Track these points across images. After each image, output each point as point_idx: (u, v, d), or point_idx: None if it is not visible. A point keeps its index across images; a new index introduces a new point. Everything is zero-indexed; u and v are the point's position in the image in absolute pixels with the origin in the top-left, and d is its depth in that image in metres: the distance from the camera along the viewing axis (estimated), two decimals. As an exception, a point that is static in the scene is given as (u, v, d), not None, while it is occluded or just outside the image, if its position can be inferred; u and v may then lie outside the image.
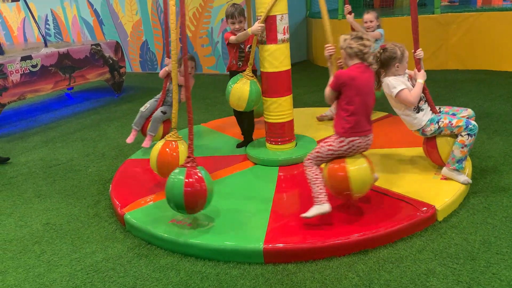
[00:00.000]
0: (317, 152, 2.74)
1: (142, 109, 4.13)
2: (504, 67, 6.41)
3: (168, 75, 3.98)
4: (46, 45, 6.59)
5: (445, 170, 3.05)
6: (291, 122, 3.73)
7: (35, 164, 4.56)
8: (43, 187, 3.96)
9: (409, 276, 2.31)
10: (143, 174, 3.73)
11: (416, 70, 3.16)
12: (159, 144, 3.21)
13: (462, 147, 2.95)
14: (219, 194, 3.26)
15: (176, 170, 2.76)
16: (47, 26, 10.92)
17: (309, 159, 2.77)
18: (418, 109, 3.11)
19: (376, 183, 3.09)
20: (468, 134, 2.95)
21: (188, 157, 2.81)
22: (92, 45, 6.97)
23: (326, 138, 2.83)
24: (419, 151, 3.62)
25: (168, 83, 4.03)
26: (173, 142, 3.18)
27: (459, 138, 2.97)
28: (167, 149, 3.16)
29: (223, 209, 3.03)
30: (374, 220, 2.70)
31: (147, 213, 3.08)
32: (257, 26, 3.44)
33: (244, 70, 3.70)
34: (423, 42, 7.17)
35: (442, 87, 5.89)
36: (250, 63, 3.69)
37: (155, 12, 8.84)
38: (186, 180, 2.66)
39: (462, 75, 6.45)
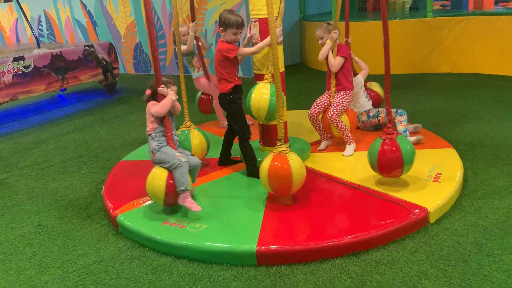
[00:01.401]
0: (338, 108, 3.76)
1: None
2: (494, 70, 6.48)
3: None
4: (39, 46, 6.55)
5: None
6: (285, 124, 3.73)
7: (27, 165, 4.53)
8: (35, 188, 3.93)
9: (401, 278, 2.32)
10: (136, 176, 3.72)
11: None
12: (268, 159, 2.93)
13: (401, 123, 3.89)
14: (212, 196, 3.27)
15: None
16: (40, 27, 10.86)
17: (333, 115, 3.74)
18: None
19: (369, 185, 3.11)
20: (400, 115, 3.94)
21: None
22: (85, 46, 6.94)
23: (335, 100, 3.79)
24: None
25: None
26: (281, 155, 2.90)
27: (397, 118, 3.92)
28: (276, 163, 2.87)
29: (216, 211, 3.03)
30: (367, 222, 2.72)
31: (139, 215, 3.07)
32: (279, 31, 3.27)
33: (240, 84, 3.51)
34: (416, 46, 7.30)
35: (435, 91, 5.93)
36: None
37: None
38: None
39: (454, 78, 6.50)
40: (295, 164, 2.85)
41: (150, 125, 3.02)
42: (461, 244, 2.55)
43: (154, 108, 2.98)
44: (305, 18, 8.62)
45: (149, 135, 3.03)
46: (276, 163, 2.84)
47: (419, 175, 3.21)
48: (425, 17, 6.82)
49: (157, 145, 2.98)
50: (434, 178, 3.15)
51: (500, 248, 2.49)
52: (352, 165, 3.65)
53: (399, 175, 3.05)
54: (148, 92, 3.08)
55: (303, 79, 7.47)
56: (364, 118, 4.24)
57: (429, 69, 7.00)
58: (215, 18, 7.92)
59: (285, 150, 2.89)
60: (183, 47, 4.30)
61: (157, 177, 2.93)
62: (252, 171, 3.45)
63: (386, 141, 2.99)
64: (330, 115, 3.74)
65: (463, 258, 2.43)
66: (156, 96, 3.02)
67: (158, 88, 2.97)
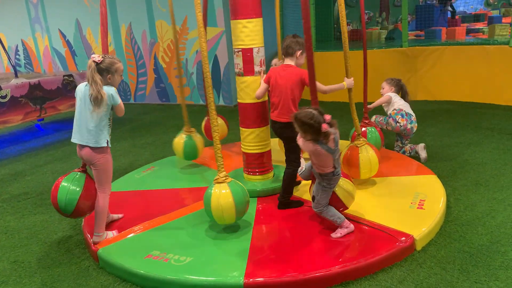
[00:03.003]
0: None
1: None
2: (468, 98, 6.68)
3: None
4: (16, 76, 6.46)
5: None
6: (269, 153, 3.73)
7: (2, 198, 4.38)
8: (11, 222, 3.79)
9: (391, 308, 2.30)
10: (118, 208, 3.62)
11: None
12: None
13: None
14: (196, 226, 3.20)
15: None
16: (17, 56, 10.74)
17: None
18: None
19: (354, 213, 3.11)
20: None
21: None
22: (64, 75, 6.87)
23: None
24: (394, 180, 3.68)
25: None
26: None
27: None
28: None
29: (201, 243, 2.96)
30: (354, 251, 2.70)
31: (121, 248, 2.98)
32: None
33: None
34: (393, 74, 7.44)
35: (412, 118, 6.05)
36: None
37: (129, 44, 8.85)
38: None
39: (431, 106, 6.67)
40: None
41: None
42: (449, 272, 2.55)
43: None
44: (284, 48, 8.76)
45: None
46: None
47: (403, 202, 3.23)
48: (401, 46, 7.04)
49: None
50: (418, 205, 3.17)
51: (487, 275, 2.50)
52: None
53: None
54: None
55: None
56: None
57: (406, 96, 7.16)
58: (196, 47, 7.99)
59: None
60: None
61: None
62: (285, 202, 3.37)
63: None
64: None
65: (451, 286, 2.42)
66: None
67: None
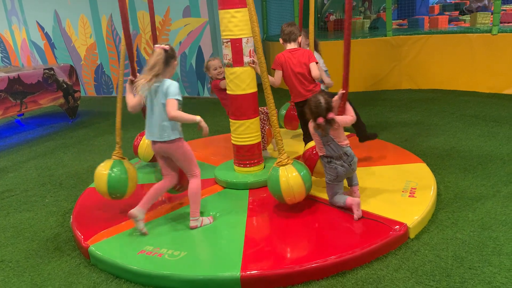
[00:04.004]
0: None
1: None
2: (452, 86, 6.76)
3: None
4: (-6, 70, 6.27)
5: None
6: (259, 144, 3.70)
7: (-15, 196, 4.26)
8: (-4, 221, 3.69)
9: (388, 296, 2.31)
10: (107, 203, 3.56)
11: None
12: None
13: None
14: (188, 220, 3.16)
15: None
16: (-7, 50, 10.45)
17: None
18: None
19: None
20: None
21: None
22: (45, 69, 6.70)
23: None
24: (384, 168, 3.70)
25: None
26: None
27: None
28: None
29: (195, 237, 2.93)
30: (349, 241, 2.70)
31: (113, 244, 2.92)
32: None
33: None
34: (378, 63, 7.51)
35: (398, 106, 6.11)
36: None
37: (110, 35, 8.67)
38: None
39: (415, 95, 6.72)
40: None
41: None
42: (443, 259, 2.57)
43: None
44: (268, 39, 8.73)
45: None
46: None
47: (395, 191, 3.25)
48: (385, 36, 7.06)
49: None
50: (410, 193, 3.19)
51: (480, 260, 2.53)
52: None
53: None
54: None
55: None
56: None
57: (391, 86, 7.22)
58: (179, 39, 7.88)
59: None
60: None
61: None
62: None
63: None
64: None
65: (446, 273, 2.45)
66: None
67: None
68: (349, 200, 2.98)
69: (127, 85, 3.14)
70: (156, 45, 2.90)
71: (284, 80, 3.74)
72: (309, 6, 4.23)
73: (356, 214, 2.91)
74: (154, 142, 2.95)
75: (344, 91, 3.12)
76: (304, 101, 3.50)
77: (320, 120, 2.92)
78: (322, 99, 2.94)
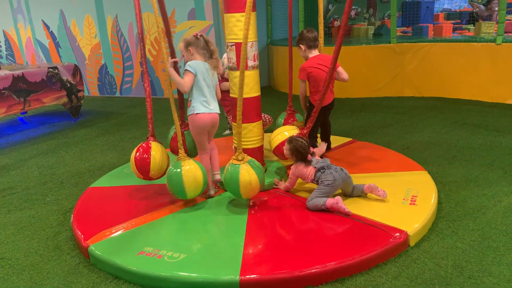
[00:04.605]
0: None
1: None
2: (455, 94, 6.76)
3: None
4: (-1, 67, 6.30)
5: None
6: (261, 148, 3.71)
7: (-14, 193, 4.27)
8: (-4, 218, 3.70)
9: (387, 304, 2.31)
10: (107, 203, 3.57)
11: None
12: None
13: None
14: (189, 223, 3.17)
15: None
16: (-2, 47, 10.50)
17: None
18: None
19: (348, 209, 3.10)
20: None
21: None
22: (49, 68, 6.72)
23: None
24: (385, 176, 3.70)
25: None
26: None
27: None
28: None
29: (195, 239, 2.93)
30: (349, 247, 2.70)
31: (113, 244, 2.92)
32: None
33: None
34: (381, 70, 7.52)
35: (400, 113, 6.11)
36: None
37: (115, 36, 8.70)
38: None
39: (418, 102, 6.73)
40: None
41: None
42: (442, 267, 2.57)
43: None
44: (272, 43, 8.75)
45: None
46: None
47: (396, 198, 3.25)
48: (389, 43, 7.07)
49: None
50: (411, 201, 3.19)
51: (480, 270, 2.52)
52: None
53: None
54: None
55: (272, 102, 7.51)
56: None
57: (394, 93, 7.22)
58: (184, 41, 7.90)
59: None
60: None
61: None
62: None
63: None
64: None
65: (445, 282, 2.44)
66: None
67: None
68: (329, 201, 3.10)
69: (172, 68, 3.45)
70: (190, 36, 3.36)
71: (314, 85, 3.89)
72: (316, 11, 4.26)
73: (382, 193, 3.21)
74: (212, 115, 3.38)
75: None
76: (330, 103, 3.97)
77: (309, 157, 3.35)
78: (302, 140, 3.36)
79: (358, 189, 3.31)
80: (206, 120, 3.37)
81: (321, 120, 4.01)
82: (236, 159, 3.19)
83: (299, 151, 3.33)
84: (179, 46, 3.57)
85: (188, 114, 3.42)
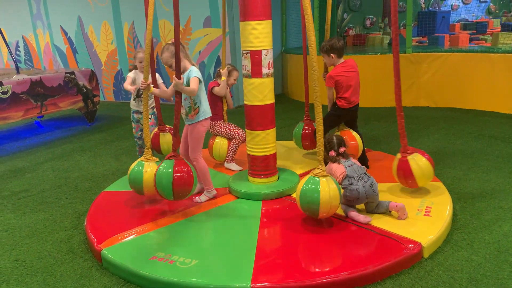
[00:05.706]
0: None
1: None
2: (471, 105, 6.68)
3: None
4: (18, 72, 6.41)
5: None
6: (274, 155, 3.71)
7: (2, 195, 4.33)
8: (12, 220, 3.74)
9: (400, 316, 2.27)
10: (121, 208, 3.59)
11: None
12: None
13: None
14: (201, 229, 3.17)
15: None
16: (17, 52, 10.69)
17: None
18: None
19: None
20: None
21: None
22: (66, 73, 6.83)
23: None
24: (399, 186, 3.66)
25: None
26: None
27: None
28: None
29: (207, 245, 2.93)
30: (362, 257, 2.67)
31: (126, 249, 2.94)
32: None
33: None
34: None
35: (415, 123, 6.05)
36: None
37: (131, 42, 8.81)
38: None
39: (433, 112, 6.66)
40: None
41: None
42: (457, 280, 2.53)
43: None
44: (286, 51, 8.77)
45: None
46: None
47: (410, 208, 3.20)
48: (405, 52, 7.03)
49: None
50: (425, 212, 3.15)
51: (496, 284, 2.47)
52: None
53: None
54: None
55: (285, 110, 7.52)
56: None
57: (409, 102, 7.16)
58: (199, 48, 7.98)
59: None
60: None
61: None
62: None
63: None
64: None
65: (460, 295, 2.40)
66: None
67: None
68: (352, 214, 3.11)
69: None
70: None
71: (340, 91, 4.01)
72: (330, 19, 4.35)
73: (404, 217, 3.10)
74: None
75: None
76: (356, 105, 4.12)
77: (342, 149, 3.30)
78: (332, 137, 3.37)
79: (382, 206, 3.16)
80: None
81: (340, 122, 4.15)
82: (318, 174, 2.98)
83: (325, 146, 3.28)
84: (164, 56, 3.40)
85: (197, 121, 3.46)
